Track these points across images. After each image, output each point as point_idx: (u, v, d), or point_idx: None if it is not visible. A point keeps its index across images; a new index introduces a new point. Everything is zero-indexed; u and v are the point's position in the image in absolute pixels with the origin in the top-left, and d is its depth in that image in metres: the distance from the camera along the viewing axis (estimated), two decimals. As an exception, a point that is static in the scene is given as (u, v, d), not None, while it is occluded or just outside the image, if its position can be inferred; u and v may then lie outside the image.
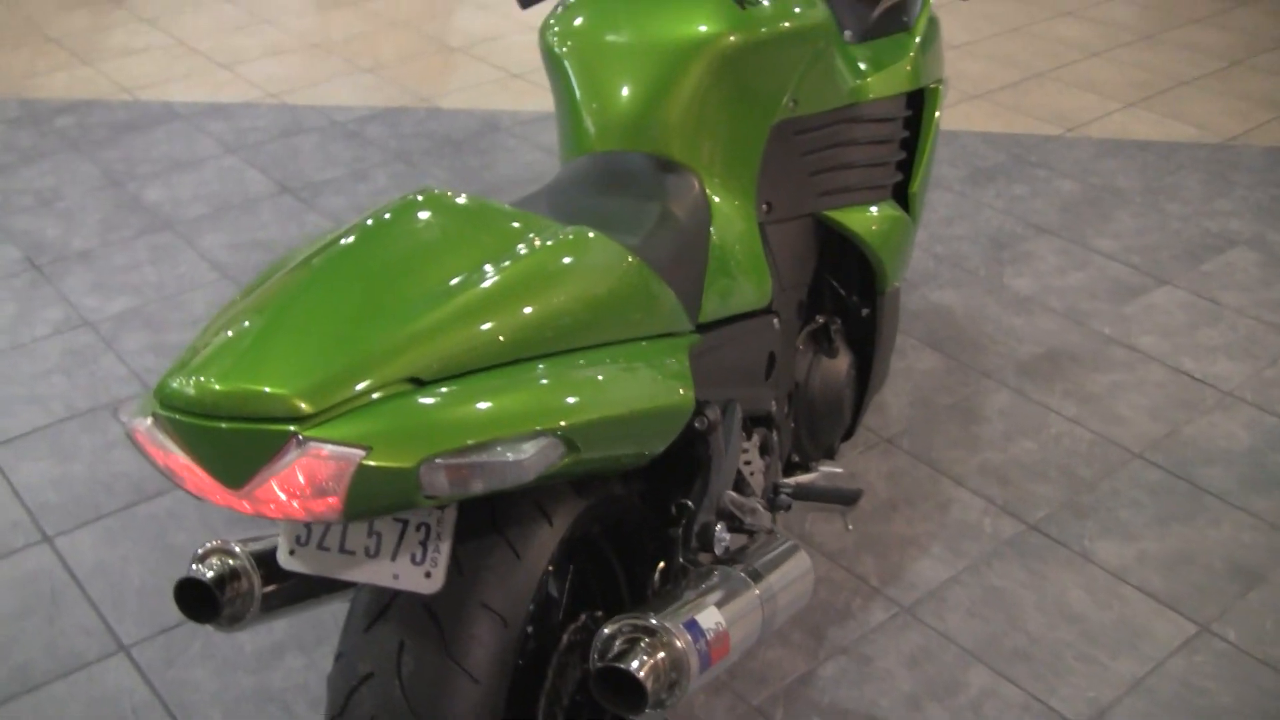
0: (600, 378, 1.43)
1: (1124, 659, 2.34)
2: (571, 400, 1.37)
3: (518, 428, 1.30)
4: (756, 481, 2.03)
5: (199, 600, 1.52)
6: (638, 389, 1.48)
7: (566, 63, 1.99)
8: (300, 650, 2.36)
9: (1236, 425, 2.98)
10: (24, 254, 3.63)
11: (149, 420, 1.28)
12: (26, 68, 4.91)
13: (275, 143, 4.26)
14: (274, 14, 5.42)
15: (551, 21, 2.05)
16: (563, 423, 1.35)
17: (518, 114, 4.47)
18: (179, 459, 1.26)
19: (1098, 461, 2.85)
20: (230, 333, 1.29)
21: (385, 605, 1.43)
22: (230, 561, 1.52)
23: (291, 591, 1.56)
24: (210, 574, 1.51)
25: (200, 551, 1.55)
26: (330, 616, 2.43)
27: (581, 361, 1.43)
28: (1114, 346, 3.25)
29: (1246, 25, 5.40)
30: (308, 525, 1.43)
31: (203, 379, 1.24)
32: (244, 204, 3.87)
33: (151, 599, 2.49)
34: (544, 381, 1.36)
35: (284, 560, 1.45)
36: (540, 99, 4.60)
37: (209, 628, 1.59)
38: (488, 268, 1.38)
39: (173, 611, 2.46)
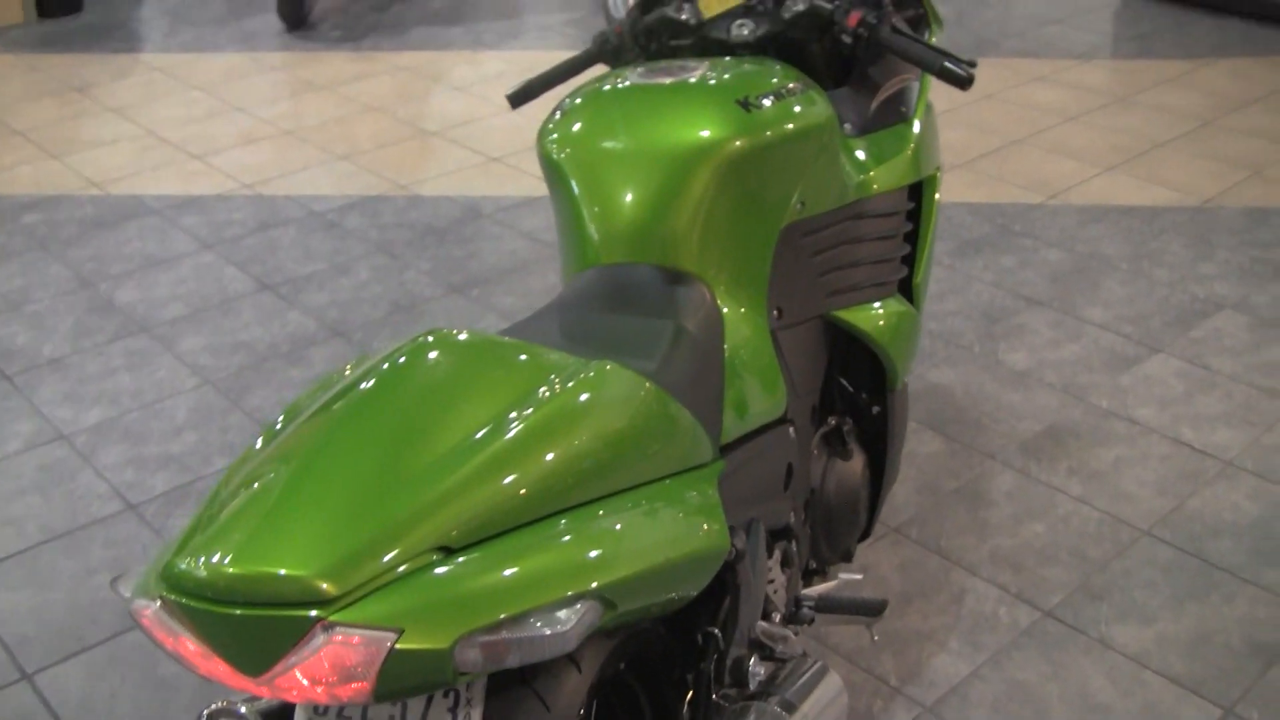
0: (633, 528, 1.37)
1: (1153, 753, 2.30)
2: (606, 557, 1.31)
3: (554, 594, 1.24)
4: (779, 597, 1.98)
5: None
6: (672, 534, 1.42)
7: (567, 171, 1.94)
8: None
9: (1240, 496, 2.95)
10: None
11: (156, 604, 1.21)
12: (-5, 166, 4.86)
13: (252, 236, 4.21)
14: (245, 101, 5.38)
15: (550, 127, 2.01)
16: (599, 583, 1.29)
17: (499, 199, 4.44)
18: (190, 644, 1.19)
19: (1107, 540, 2.81)
20: (239, 506, 1.22)
21: None
22: None
23: None
24: None
25: (206, 714, 1.47)
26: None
27: (612, 511, 1.37)
28: (1114, 420, 3.22)
29: (1213, 86, 5.44)
30: None
31: (214, 560, 1.16)
32: (223, 303, 3.81)
33: (151, 727, 2.41)
34: (576, 539, 1.30)
35: None
36: (522, 183, 4.56)
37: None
38: (508, 419, 1.32)
39: (174, 740, 2.39)
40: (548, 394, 1.37)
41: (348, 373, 1.44)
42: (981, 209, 4.32)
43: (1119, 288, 3.83)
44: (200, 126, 5.12)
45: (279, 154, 4.84)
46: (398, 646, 1.15)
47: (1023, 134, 4.94)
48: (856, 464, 2.32)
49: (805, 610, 2.07)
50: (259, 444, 1.33)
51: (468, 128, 5.06)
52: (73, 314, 3.79)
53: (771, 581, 1.96)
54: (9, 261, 4.10)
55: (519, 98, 2.45)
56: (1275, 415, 3.24)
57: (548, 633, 1.21)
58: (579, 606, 1.25)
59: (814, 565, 2.35)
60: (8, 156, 4.91)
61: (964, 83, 2.09)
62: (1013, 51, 5.89)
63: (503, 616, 1.20)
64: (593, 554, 1.30)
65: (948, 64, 2.10)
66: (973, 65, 2.13)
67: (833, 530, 2.31)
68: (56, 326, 3.72)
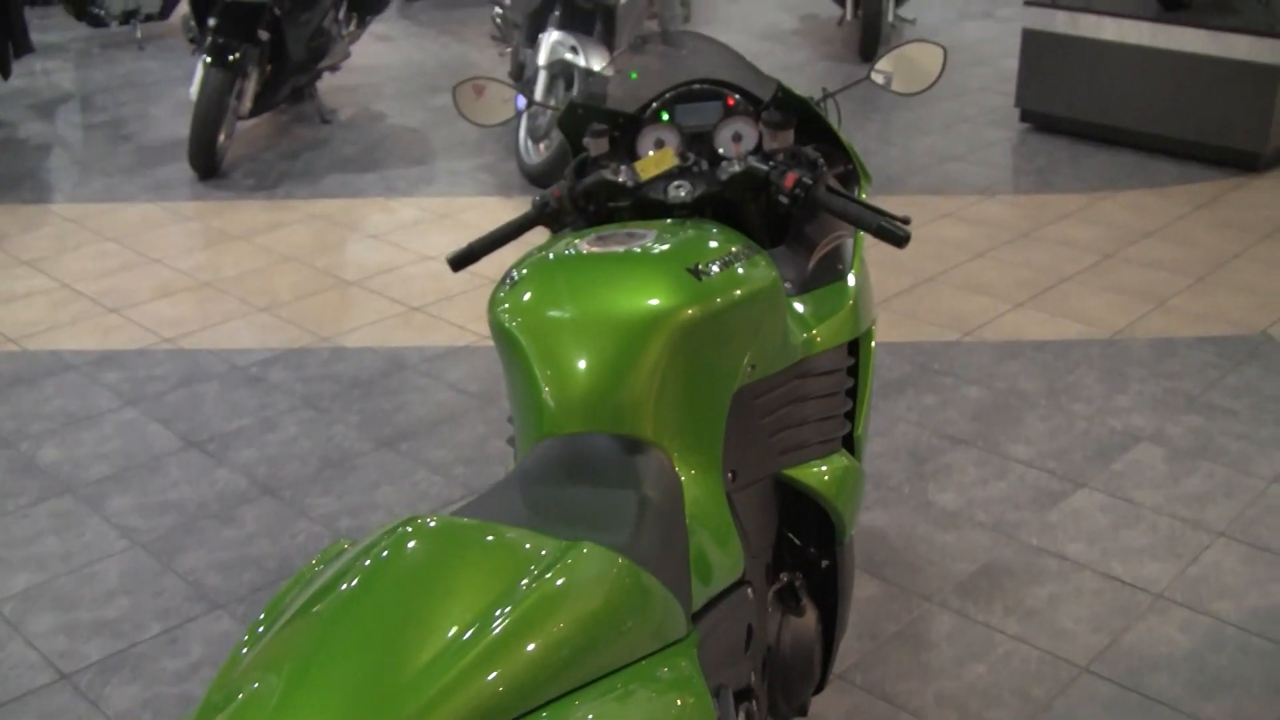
0: (630, 707, 1.38)
1: None
2: None
3: None
4: (743, 758, 1.98)
5: None
6: (665, 712, 1.43)
7: (521, 340, 1.96)
8: None
9: (1173, 629, 3.01)
10: (-79, 530, 3.48)
11: None
12: (-94, 324, 4.79)
13: (175, 392, 4.17)
14: (160, 252, 5.36)
15: (501, 296, 2.03)
16: None
17: (423, 350, 4.45)
18: None
19: (1048, 679, 2.85)
20: (246, 706, 1.22)
21: None
22: None
23: None
24: None
25: None
26: None
27: (606, 693, 1.38)
28: (1045, 556, 3.28)
29: (1112, 218, 5.62)
30: None
31: None
32: (149, 461, 3.77)
33: None
34: None
35: None
36: (444, 333, 4.58)
37: None
38: (498, 611, 1.33)
39: None
40: (533, 583, 1.38)
41: (324, 567, 1.43)
42: (901, 348, 4.41)
43: (1039, 423, 3.91)
44: (116, 278, 5.09)
45: (198, 306, 4.82)
46: None
47: (934, 271, 5.06)
48: (810, 619, 2.34)
49: (768, 771, 2.08)
50: (245, 649, 1.32)
51: (386, 277, 5.08)
52: (-7, 477, 3.73)
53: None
54: (-77, 424, 4.03)
55: (460, 261, 2.48)
56: (1199, 546, 3.31)
57: None
58: None
59: (771, 722, 2.36)
60: (-83, 314, 4.84)
61: (900, 241, 2.16)
62: (918, 188, 6.05)
63: None
64: None
65: (884, 223, 2.16)
66: (906, 222, 2.20)
67: (789, 685, 2.32)
68: (-24, 491, 3.65)
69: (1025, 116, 7.00)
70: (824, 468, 2.27)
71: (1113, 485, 3.59)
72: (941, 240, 5.38)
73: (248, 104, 6.49)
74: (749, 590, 2.02)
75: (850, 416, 2.43)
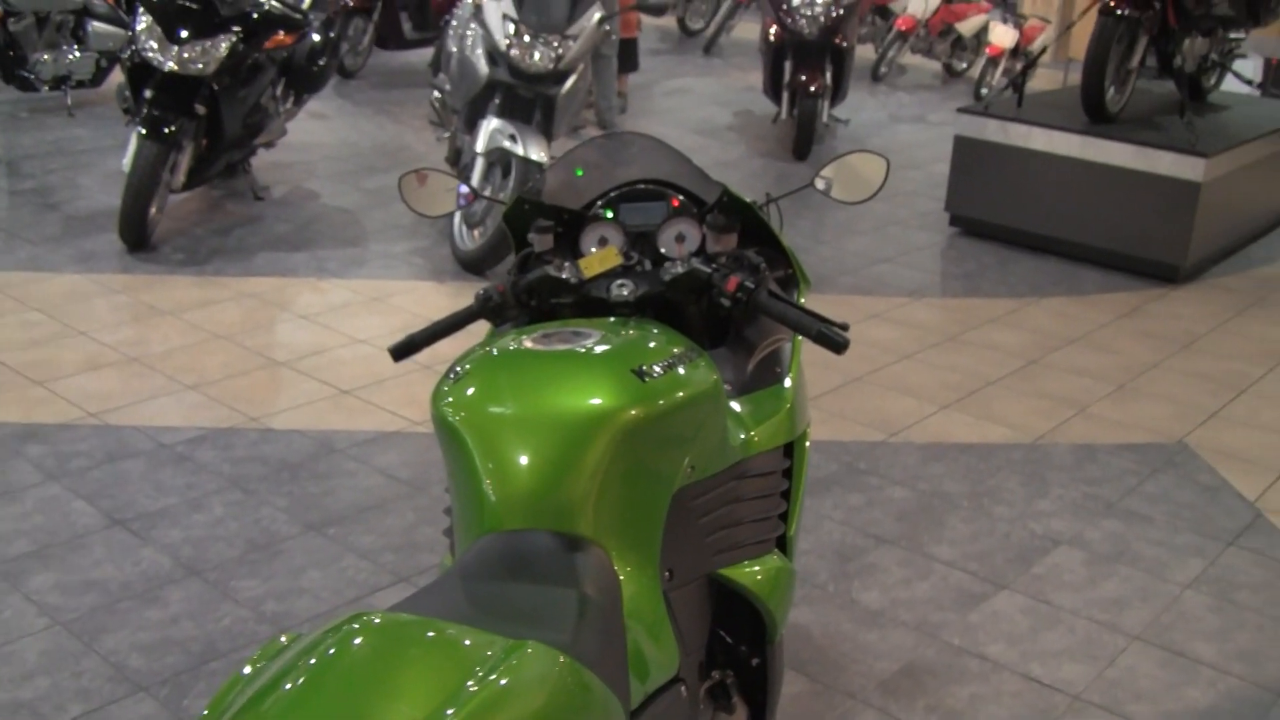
0: None
1: None
2: None
3: None
4: None
5: None
6: None
7: (463, 435, 1.97)
8: None
9: (1091, 734, 3.06)
10: None
11: None
12: None
13: (100, 469, 4.13)
14: (86, 324, 5.31)
15: (444, 390, 2.04)
16: None
17: (353, 434, 4.44)
18: None
19: (969, 784, 2.88)
20: None
21: None
22: None
23: None
24: None
25: None
26: None
27: None
28: (966, 657, 3.32)
29: (1037, 324, 5.74)
30: None
31: None
32: (72, 539, 3.72)
33: None
34: None
35: None
36: (374, 418, 4.57)
37: None
38: (446, 711, 1.33)
39: None
40: (479, 683, 1.39)
41: (268, 663, 1.43)
42: (829, 447, 4.46)
43: (962, 525, 3.97)
44: (41, 350, 5.04)
45: (125, 381, 4.79)
46: None
47: (862, 371, 5.13)
48: (740, 717, 2.36)
49: None
50: None
51: (317, 359, 5.07)
52: (-90, 551, 3.66)
53: None
54: None
55: (400, 351, 2.50)
56: (1116, 649, 3.37)
57: None
58: None
59: (700, 822, 2.37)
60: None
61: (839, 348, 2.20)
62: (847, 289, 6.15)
63: None
64: None
65: (823, 329, 2.21)
66: (845, 329, 2.25)
67: (719, 785, 2.34)
68: (-109, 564, 3.58)
69: (955, 221, 7.15)
70: (757, 568, 2.29)
71: (1033, 588, 3.65)
72: (870, 341, 5.46)
73: (181, 178, 6.46)
74: (683, 688, 2.03)
75: (784, 517, 2.47)
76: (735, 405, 2.34)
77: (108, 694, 3.08)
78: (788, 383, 2.47)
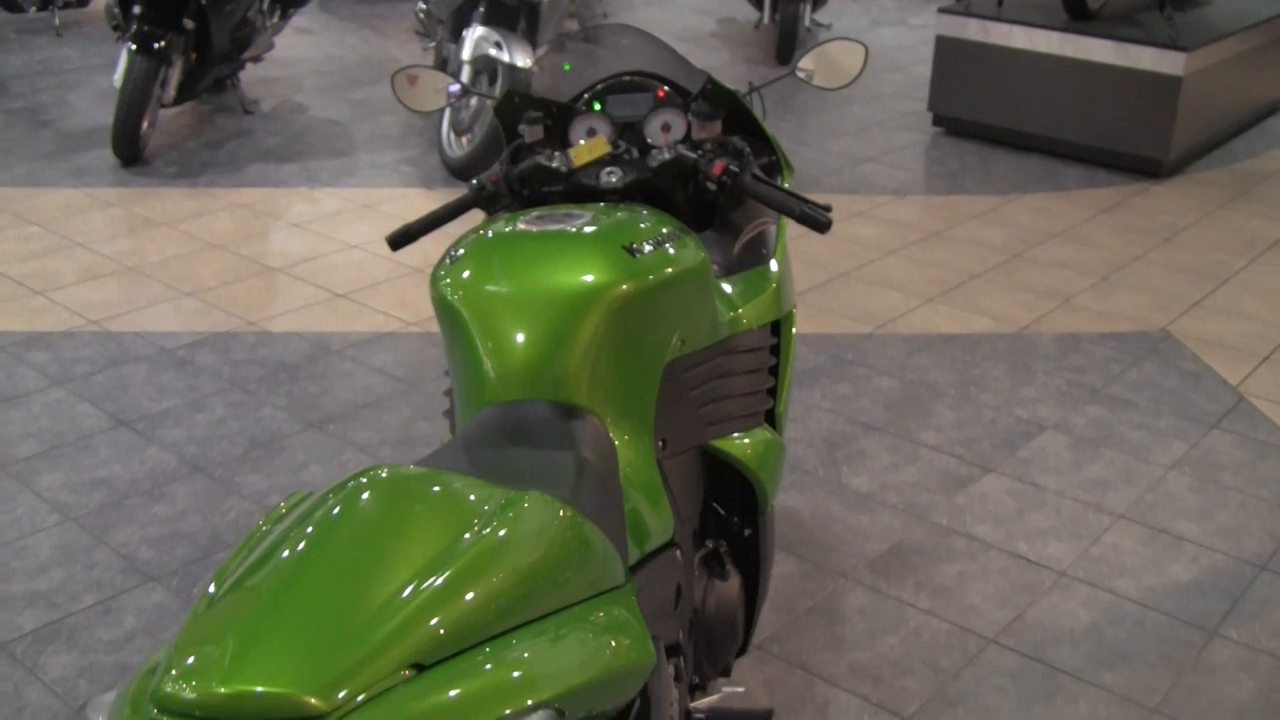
0: (576, 643, 1.49)
1: None
2: (557, 670, 1.42)
3: (516, 704, 1.35)
4: (674, 710, 2.09)
5: None
6: (607, 649, 1.53)
7: (462, 313, 2.04)
8: None
9: (1075, 604, 3.16)
10: None
11: None
12: None
13: (103, 373, 4.20)
14: (83, 236, 5.36)
15: (442, 272, 2.11)
16: (552, 693, 1.40)
17: (348, 335, 4.51)
18: None
19: (957, 651, 2.98)
20: (223, 631, 1.30)
21: None
22: None
23: None
24: None
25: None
26: None
27: (555, 629, 1.48)
28: (954, 537, 3.42)
29: (1020, 220, 5.80)
30: None
31: (204, 681, 1.24)
32: (78, 440, 3.80)
33: None
34: (530, 655, 1.41)
35: None
36: (369, 319, 4.65)
37: None
38: (457, 548, 1.42)
39: None
40: (482, 528, 1.47)
41: (287, 514, 1.51)
42: (815, 340, 4.54)
43: (949, 412, 4.06)
44: (40, 262, 5.10)
45: (123, 290, 4.85)
46: None
47: (847, 268, 5.20)
48: (733, 584, 2.46)
49: (697, 721, 2.18)
50: (211, 594, 1.39)
51: (311, 264, 5.13)
52: (-80, 455, 3.75)
53: (671, 702, 2.07)
54: None
55: (398, 240, 2.57)
56: (1100, 528, 3.47)
57: None
58: (538, 713, 1.35)
59: (696, 680, 2.47)
60: None
61: (822, 227, 2.28)
62: (832, 188, 6.20)
63: None
64: (544, 667, 1.41)
65: (806, 209, 2.28)
66: (828, 209, 2.32)
67: (714, 647, 2.43)
68: (-98, 468, 3.67)
69: (938, 121, 7.19)
70: (747, 440, 2.38)
71: (1019, 470, 3.74)
72: (854, 239, 5.53)
73: (171, 92, 6.50)
74: (678, 552, 2.12)
75: (772, 394, 2.55)
76: (723, 285, 2.41)
77: (119, 584, 3.17)
78: (774, 265, 2.54)
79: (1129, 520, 3.52)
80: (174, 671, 1.26)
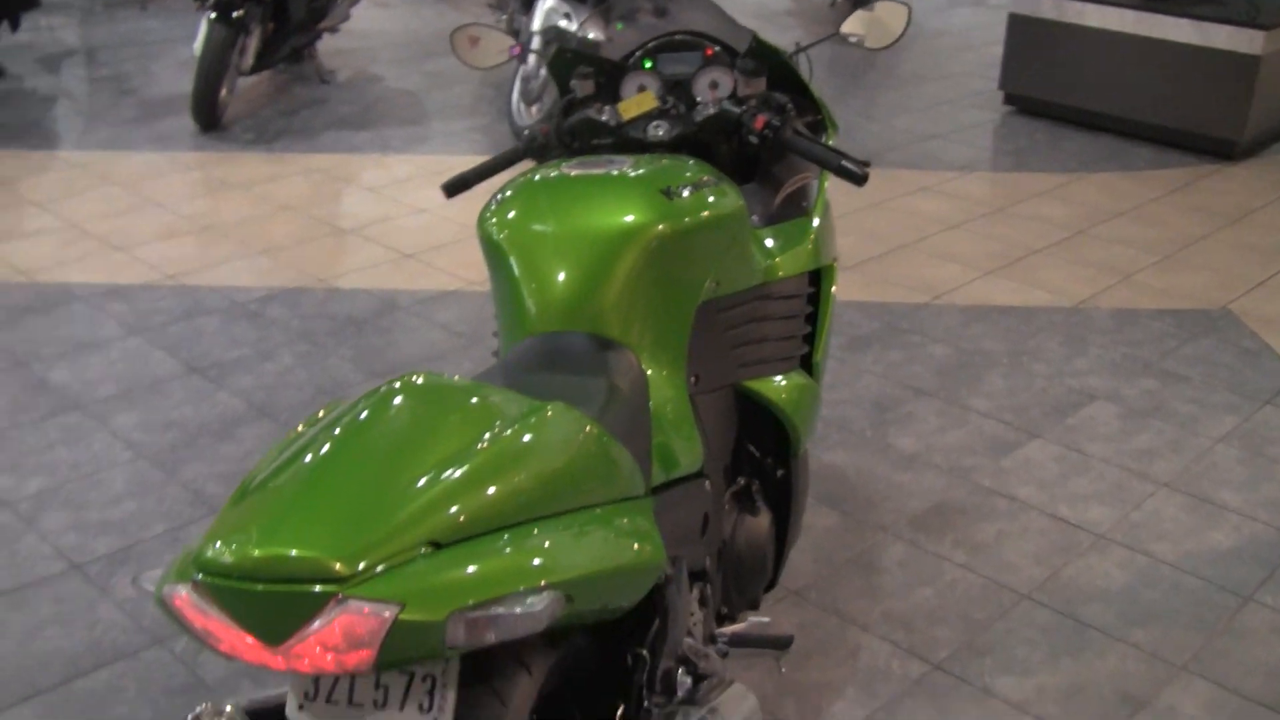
0: (589, 537, 1.59)
1: (1032, 788, 2.51)
2: (568, 558, 1.53)
3: (528, 583, 1.45)
4: (698, 632, 2.18)
5: None
6: (620, 547, 1.63)
7: (506, 250, 2.15)
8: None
9: (1111, 565, 3.21)
10: (-67, 439, 3.68)
11: (188, 587, 1.40)
12: (-83, 256, 4.97)
13: (178, 324, 4.36)
14: (162, 197, 5.54)
15: (489, 213, 2.22)
16: (563, 578, 1.50)
17: (415, 293, 4.64)
18: (219, 622, 1.38)
19: (991, 604, 3.05)
20: (264, 503, 1.43)
21: None
22: None
23: None
24: None
25: (192, 716, 1.64)
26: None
27: (570, 523, 1.58)
28: (996, 498, 3.48)
29: (1085, 198, 5.82)
30: (315, 681, 1.55)
31: (243, 546, 1.37)
32: (153, 384, 3.96)
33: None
34: (544, 542, 1.52)
35: (293, 715, 1.56)
36: (435, 279, 4.77)
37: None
38: (482, 444, 1.54)
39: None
40: (513, 426, 1.58)
41: (326, 414, 1.63)
42: (870, 308, 4.61)
43: (1000, 380, 4.12)
44: (121, 220, 5.28)
45: (199, 248, 5.01)
46: (400, 618, 1.35)
47: (908, 240, 5.26)
48: (763, 520, 2.55)
49: (720, 645, 2.28)
50: (265, 468, 1.52)
51: (381, 226, 5.27)
52: (8, 391, 3.92)
53: (691, 614, 2.17)
54: (-65, 346, 4.22)
55: (453, 187, 2.68)
56: (1143, 494, 3.51)
57: (520, 612, 1.42)
58: (547, 595, 1.46)
59: (725, 611, 2.56)
60: (-73, 247, 5.03)
61: (859, 180, 2.36)
62: (897, 163, 6.25)
63: (486, 598, 1.41)
64: (558, 554, 1.52)
65: (845, 163, 2.36)
66: (867, 164, 2.40)
67: (742, 579, 2.53)
68: (-11, 404, 3.86)
69: (1008, 100, 7.19)
70: (782, 382, 2.47)
71: (1066, 438, 3.79)
72: (916, 212, 5.58)
73: (249, 61, 6.67)
74: (707, 483, 2.22)
75: (810, 341, 2.63)
76: (764, 236, 2.50)
77: (188, 516, 3.32)
78: (815, 220, 2.62)
79: (1172, 489, 3.56)
80: (215, 540, 1.38)
